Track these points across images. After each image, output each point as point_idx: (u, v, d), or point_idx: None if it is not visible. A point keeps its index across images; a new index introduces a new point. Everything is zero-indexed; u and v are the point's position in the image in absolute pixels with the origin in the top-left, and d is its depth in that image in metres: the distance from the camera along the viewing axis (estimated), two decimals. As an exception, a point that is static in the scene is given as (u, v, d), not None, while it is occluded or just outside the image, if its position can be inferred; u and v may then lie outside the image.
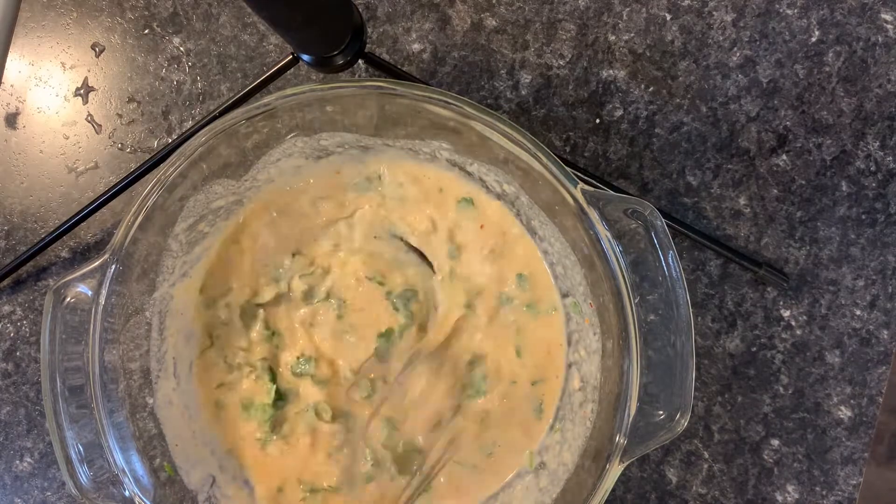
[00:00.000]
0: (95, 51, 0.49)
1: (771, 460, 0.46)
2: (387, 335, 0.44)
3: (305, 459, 0.44)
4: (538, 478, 0.43)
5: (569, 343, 0.44)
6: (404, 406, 0.44)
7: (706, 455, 0.46)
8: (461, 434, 0.44)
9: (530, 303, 0.44)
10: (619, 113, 0.47)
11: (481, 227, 0.44)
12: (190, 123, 0.48)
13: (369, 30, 0.48)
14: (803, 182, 0.47)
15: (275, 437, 0.43)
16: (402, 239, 0.45)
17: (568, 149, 0.47)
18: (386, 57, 0.48)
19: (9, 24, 0.32)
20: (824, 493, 0.46)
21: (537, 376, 0.44)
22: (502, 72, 0.48)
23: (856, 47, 0.47)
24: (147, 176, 0.46)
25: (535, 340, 0.44)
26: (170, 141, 0.47)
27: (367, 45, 0.46)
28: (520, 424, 0.44)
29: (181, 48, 0.49)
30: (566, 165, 0.36)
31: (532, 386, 0.44)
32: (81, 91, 0.49)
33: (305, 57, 0.39)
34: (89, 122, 0.49)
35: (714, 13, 0.47)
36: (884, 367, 0.46)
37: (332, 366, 0.44)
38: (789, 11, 0.47)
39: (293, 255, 0.44)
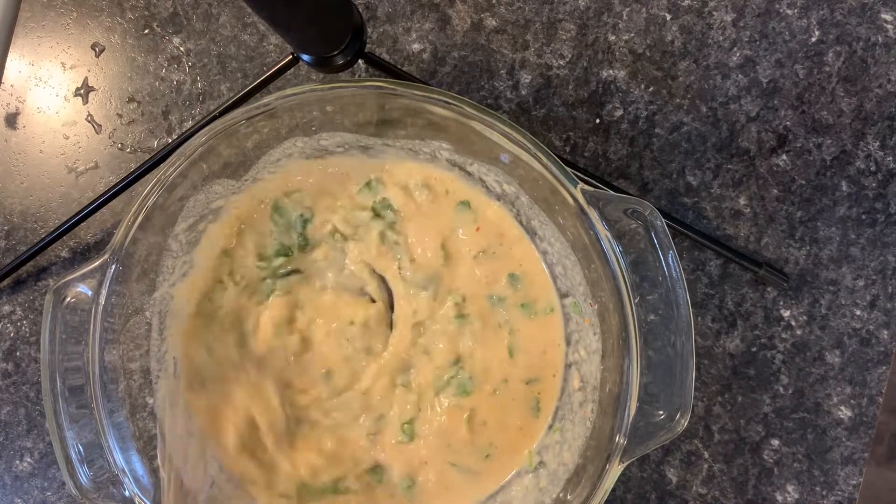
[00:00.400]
0: (95, 51, 0.49)
1: (771, 460, 0.46)
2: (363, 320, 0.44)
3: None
4: (538, 478, 0.43)
5: (568, 343, 0.44)
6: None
7: (706, 455, 0.46)
8: (451, 437, 0.44)
9: (525, 303, 0.44)
10: (619, 113, 0.47)
11: (477, 229, 0.44)
12: (190, 123, 0.48)
13: (369, 30, 0.48)
14: (803, 182, 0.47)
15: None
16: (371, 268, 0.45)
17: (568, 149, 0.47)
18: (386, 57, 0.48)
19: (9, 24, 0.32)
20: (824, 493, 0.46)
21: (532, 376, 0.44)
22: (502, 72, 0.48)
23: (856, 47, 0.47)
24: (147, 176, 0.46)
25: (530, 341, 0.44)
26: (170, 141, 0.47)
27: (367, 45, 0.46)
28: (517, 424, 0.44)
29: (181, 48, 0.49)
30: (566, 165, 0.36)
31: (526, 385, 0.44)
32: (81, 91, 0.49)
33: (305, 57, 0.39)
34: (89, 122, 0.49)
35: (714, 13, 0.47)
36: (884, 367, 0.46)
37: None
38: (789, 11, 0.47)
39: (286, 255, 0.44)
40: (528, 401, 0.44)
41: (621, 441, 0.36)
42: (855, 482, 0.46)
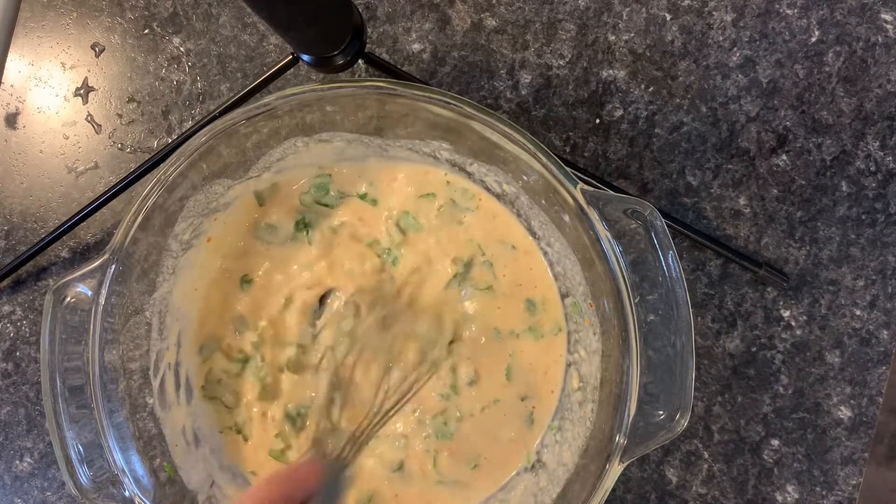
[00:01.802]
0: (95, 51, 0.49)
1: (771, 460, 0.46)
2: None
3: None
4: (537, 477, 0.43)
5: (568, 343, 0.44)
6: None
7: (706, 455, 0.46)
8: (420, 472, 0.43)
9: (533, 326, 0.44)
10: (619, 113, 0.47)
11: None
12: (190, 123, 0.48)
13: (369, 30, 0.48)
14: (803, 182, 0.47)
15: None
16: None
17: (568, 149, 0.47)
18: (386, 57, 0.48)
19: (9, 24, 0.32)
20: (824, 493, 0.46)
21: (529, 393, 0.43)
22: (502, 72, 0.48)
23: (856, 47, 0.47)
24: (147, 176, 0.46)
25: (533, 362, 0.43)
26: (170, 141, 0.47)
27: (367, 45, 0.46)
28: (509, 437, 0.43)
29: (181, 48, 0.49)
30: (566, 165, 0.36)
31: (521, 401, 0.43)
32: (81, 91, 0.49)
33: (305, 57, 0.39)
34: (89, 122, 0.49)
35: (714, 13, 0.47)
36: (884, 367, 0.46)
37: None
38: (789, 11, 0.47)
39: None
40: (522, 415, 0.43)
41: (621, 441, 0.36)
42: (855, 482, 0.46)
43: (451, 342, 0.43)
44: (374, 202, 0.44)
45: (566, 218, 0.38)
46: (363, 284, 0.43)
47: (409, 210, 0.44)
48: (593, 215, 0.36)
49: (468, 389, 0.43)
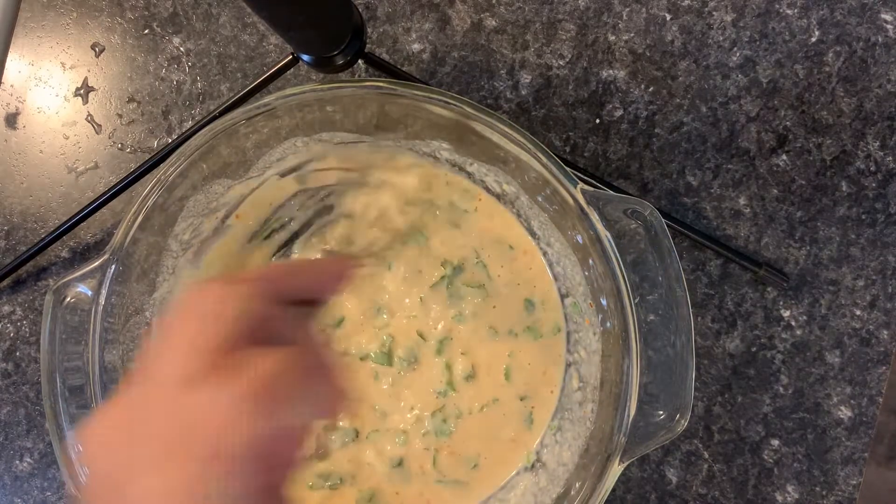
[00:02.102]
0: (95, 51, 0.49)
1: (771, 460, 0.46)
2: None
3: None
4: (537, 477, 0.43)
5: (567, 342, 0.44)
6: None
7: (706, 455, 0.46)
8: (419, 471, 0.43)
9: (532, 326, 0.44)
10: (619, 113, 0.47)
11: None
12: (190, 123, 0.48)
13: (369, 30, 0.48)
14: (803, 182, 0.47)
15: None
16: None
17: (568, 149, 0.47)
18: (386, 57, 0.48)
19: (9, 24, 0.32)
20: (824, 493, 0.46)
21: (528, 393, 0.43)
22: (502, 72, 0.48)
23: (856, 47, 0.47)
24: (147, 176, 0.46)
25: (532, 362, 0.43)
26: (170, 141, 0.47)
27: (367, 45, 0.46)
28: (508, 436, 0.43)
29: (181, 48, 0.49)
30: (566, 165, 0.37)
31: (521, 401, 0.43)
32: (81, 91, 0.49)
33: (305, 57, 0.39)
34: (89, 122, 0.49)
35: (714, 13, 0.47)
36: (884, 367, 0.46)
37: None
38: (789, 11, 0.47)
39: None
40: (522, 414, 0.43)
41: (621, 441, 0.36)
42: (855, 482, 0.46)
43: (441, 340, 0.44)
44: None
45: (566, 218, 0.38)
46: (360, 289, 0.43)
47: None
48: (593, 215, 0.36)
49: (466, 387, 0.43)
